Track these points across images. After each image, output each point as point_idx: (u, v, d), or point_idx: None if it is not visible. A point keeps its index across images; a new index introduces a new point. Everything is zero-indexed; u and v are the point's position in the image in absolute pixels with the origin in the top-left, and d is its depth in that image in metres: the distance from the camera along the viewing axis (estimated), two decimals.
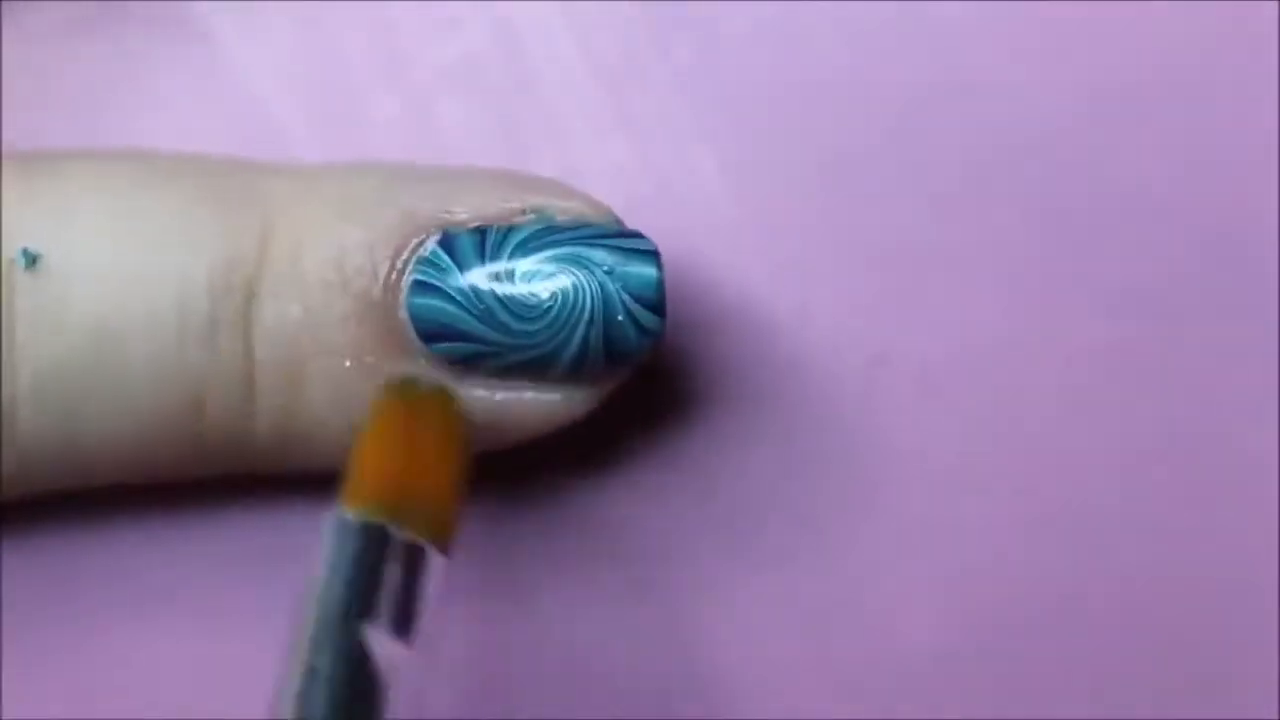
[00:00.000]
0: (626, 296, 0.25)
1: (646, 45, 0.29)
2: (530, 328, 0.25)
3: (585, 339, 0.25)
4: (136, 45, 0.29)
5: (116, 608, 0.28)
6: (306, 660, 0.23)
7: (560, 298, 0.25)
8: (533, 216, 0.26)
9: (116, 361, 0.25)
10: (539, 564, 0.28)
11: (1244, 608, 0.28)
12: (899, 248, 0.29)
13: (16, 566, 0.28)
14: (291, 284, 0.25)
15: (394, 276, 0.26)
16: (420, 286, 0.25)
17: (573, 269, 0.25)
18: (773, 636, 0.28)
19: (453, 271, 0.25)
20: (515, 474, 0.28)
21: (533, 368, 0.26)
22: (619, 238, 0.26)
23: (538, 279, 0.25)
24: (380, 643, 0.23)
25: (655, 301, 0.25)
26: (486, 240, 0.26)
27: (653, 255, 0.25)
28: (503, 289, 0.25)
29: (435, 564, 0.24)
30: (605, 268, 0.25)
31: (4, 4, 0.28)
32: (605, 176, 0.29)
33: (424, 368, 0.26)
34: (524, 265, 0.25)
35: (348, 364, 0.26)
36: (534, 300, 0.25)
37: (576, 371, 0.26)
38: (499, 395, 0.26)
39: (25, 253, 0.25)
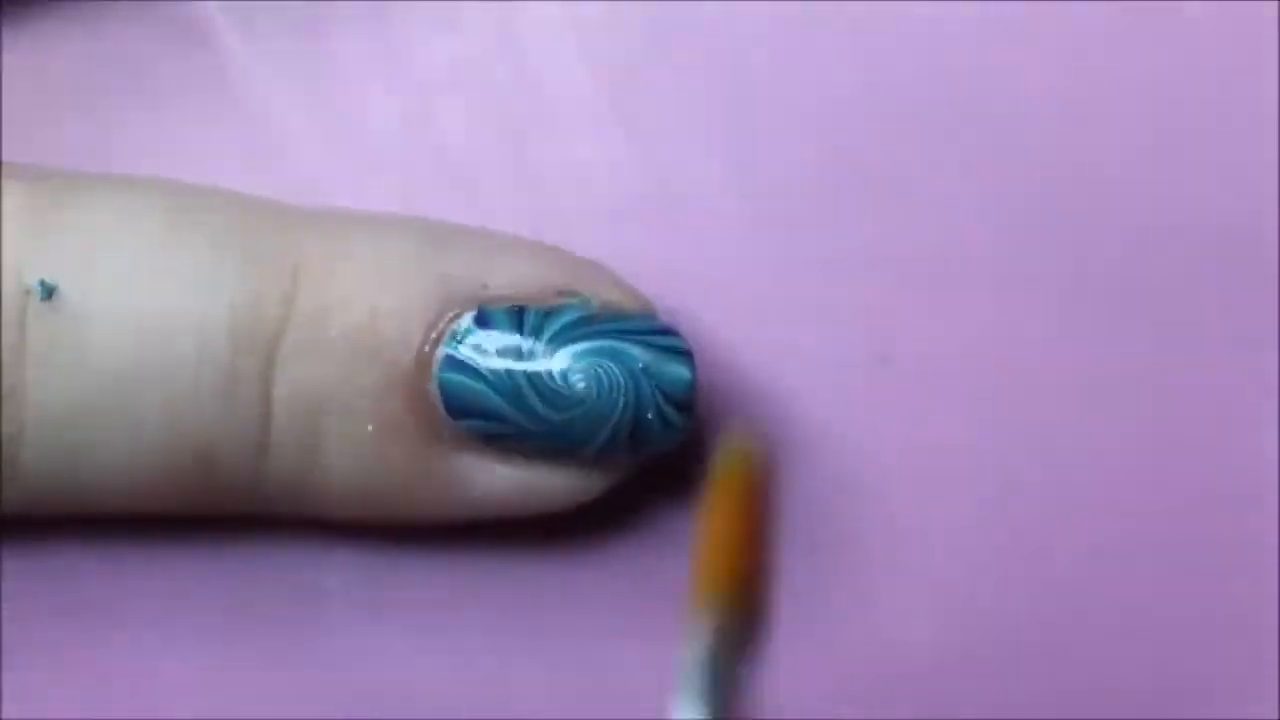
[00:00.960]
0: (659, 395, 0.25)
1: (647, 45, 0.29)
2: (560, 417, 0.25)
3: (614, 433, 0.25)
4: (136, 45, 0.29)
5: (118, 616, 0.28)
6: None
7: (595, 391, 0.25)
8: (572, 300, 0.26)
9: (129, 407, 0.25)
10: (540, 566, 0.28)
11: (1245, 607, 0.28)
12: (899, 248, 0.28)
13: (18, 574, 0.28)
14: (317, 346, 0.25)
15: (426, 348, 0.25)
16: (453, 362, 0.25)
17: (609, 364, 0.25)
18: (772, 636, 0.28)
19: (487, 350, 0.25)
20: None
21: (557, 453, 0.26)
22: (656, 334, 0.26)
23: (573, 370, 0.25)
24: None
25: (686, 401, 0.25)
26: (524, 321, 0.25)
27: (687, 356, 0.26)
28: (536, 375, 0.25)
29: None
30: (641, 365, 0.25)
31: (4, 4, 0.28)
32: (605, 176, 0.29)
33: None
34: (560, 355, 0.25)
35: (370, 429, 0.25)
36: (568, 391, 0.25)
37: (600, 460, 0.26)
38: (519, 472, 0.26)
39: (43, 284, 0.25)
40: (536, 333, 0.25)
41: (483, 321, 0.25)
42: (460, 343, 0.25)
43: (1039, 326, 0.28)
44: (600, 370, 0.25)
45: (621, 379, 0.25)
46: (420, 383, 0.25)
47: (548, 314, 0.25)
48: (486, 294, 0.25)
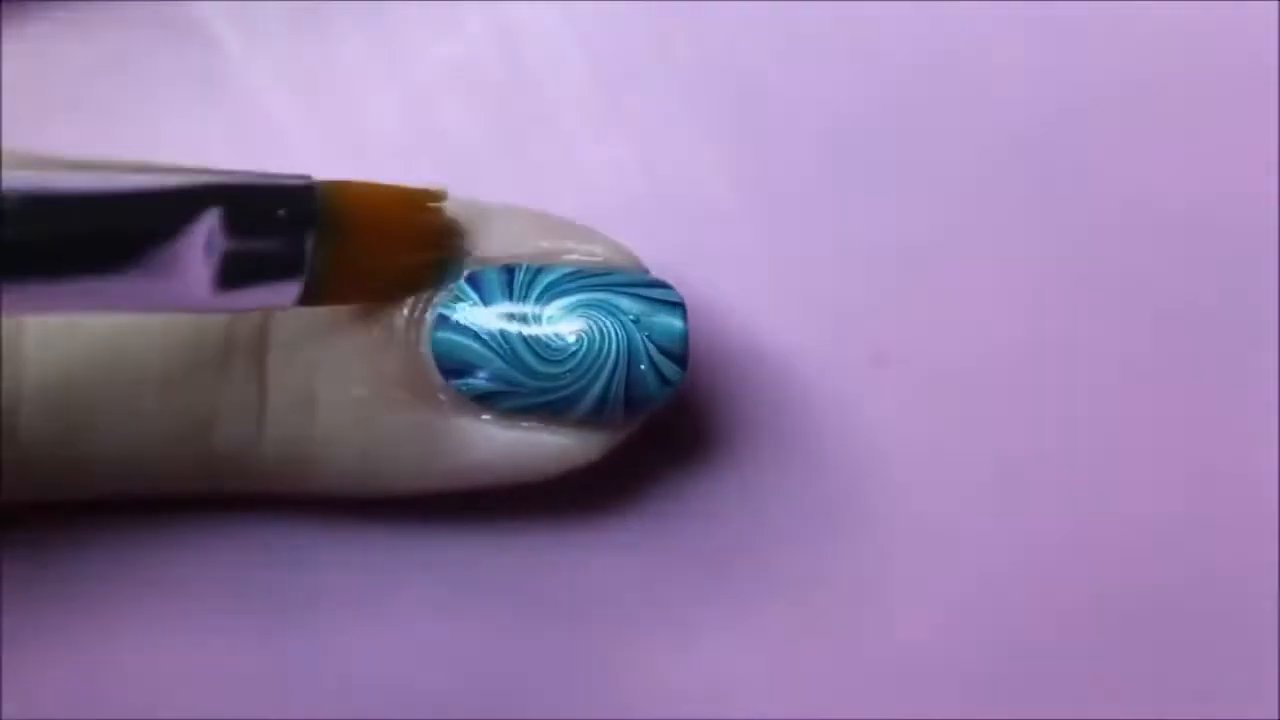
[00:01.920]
0: (651, 346, 0.25)
1: (646, 45, 0.29)
2: (553, 370, 0.25)
3: (607, 386, 0.25)
4: (136, 46, 0.29)
5: (117, 604, 0.28)
6: None
7: (586, 343, 0.25)
8: (563, 259, 0.26)
9: (127, 374, 0.25)
10: (543, 570, 0.28)
11: (1245, 607, 0.28)
12: (899, 247, 0.29)
13: (17, 564, 0.28)
14: (311, 310, 0.25)
15: (419, 308, 0.25)
16: (445, 321, 0.25)
17: (600, 315, 0.25)
18: (771, 636, 0.28)
19: (479, 308, 0.25)
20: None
21: (551, 410, 0.26)
22: (647, 287, 0.26)
23: (564, 323, 0.25)
24: None
25: (679, 353, 0.25)
26: (514, 279, 0.25)
27: (679, 307, 0.26)
28: (528, 330, 0.25)
29: None
30: (632, 316, 0.25)
31: (4, 4, 0.28)
32: (604, 176, 0.29)
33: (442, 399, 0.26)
34: (551, 308, 0.25)
35: (365, 393, 0.25)
36: (559, 343, 0.25)
37: (594, 417, 0.26)
38: (514, 434, 0.26)
39: None
40: (527, 289, 0.25)
41: (474, 281, 0.25)
42: (453, 303, 0.25)
43: (1038, 326, 0.28)
44: (592, 322, 0.25)
45: (613, 330, 0.25)
46: (414, 343, 0.25)
47: (538, 271, 0.26)
48: (479, 256, 0.26)
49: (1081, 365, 0.28)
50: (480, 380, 0.25)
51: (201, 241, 0.23)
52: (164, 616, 0.28)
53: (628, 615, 0.28)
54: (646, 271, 0.26)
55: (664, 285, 0.26)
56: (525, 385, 0.25)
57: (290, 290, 0.24)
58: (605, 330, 0.25)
